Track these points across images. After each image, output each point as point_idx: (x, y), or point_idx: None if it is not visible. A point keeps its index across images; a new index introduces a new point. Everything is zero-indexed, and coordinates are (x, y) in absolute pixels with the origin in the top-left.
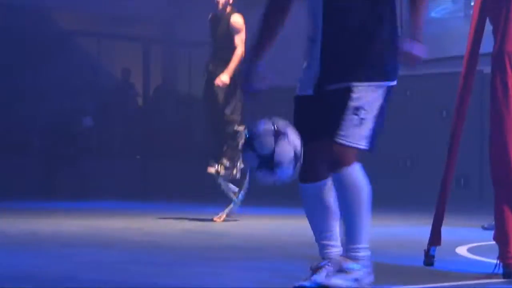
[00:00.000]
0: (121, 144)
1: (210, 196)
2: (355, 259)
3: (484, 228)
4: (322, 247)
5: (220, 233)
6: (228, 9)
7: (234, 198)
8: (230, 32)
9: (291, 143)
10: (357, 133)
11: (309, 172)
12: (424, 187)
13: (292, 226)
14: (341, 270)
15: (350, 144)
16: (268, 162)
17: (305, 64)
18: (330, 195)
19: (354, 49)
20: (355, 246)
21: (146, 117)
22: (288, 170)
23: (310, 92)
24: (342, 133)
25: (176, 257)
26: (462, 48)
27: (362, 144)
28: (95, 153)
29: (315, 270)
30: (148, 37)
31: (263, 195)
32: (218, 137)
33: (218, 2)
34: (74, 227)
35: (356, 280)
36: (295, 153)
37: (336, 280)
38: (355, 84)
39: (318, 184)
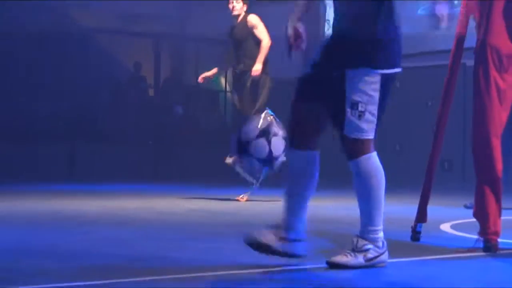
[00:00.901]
0: (134, 132)
1: (215, 178)
2: (370, 240)
3: (466, 207)
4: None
5: (228, 212)
6: (242, 15)
7: (254, 181)
8: (250, 32)
9: (281, 136)
10: (359, 127)
11: (301, 141)
12: (412, 169)
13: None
14: (357, 250)
15: (356, 137)
16: (267, 161)
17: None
18: (315, 167)
19: (352, 36)
20: (369, 228)
21: (157, 106)
22: (278, 163)
23: (310, 70)
24: (346, 127)
25: (185, 233)
26: (445, 43)
27: (367, 135)
28: (111, 139)
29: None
30: (159, 33)
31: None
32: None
33: (233, 8)
34: (92, 208)
35: (370, 259)
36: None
37: (353, 259)
38: (349, 71)
39: (309, 153)
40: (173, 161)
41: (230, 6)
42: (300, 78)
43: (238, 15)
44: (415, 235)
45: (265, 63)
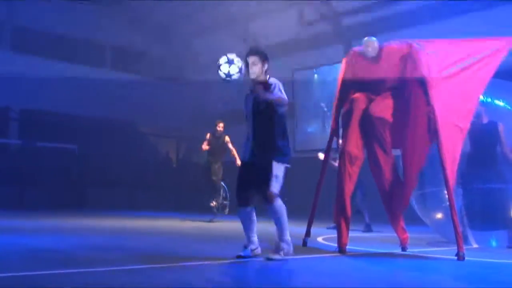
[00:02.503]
0: (163, 183)
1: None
2: (284, 243)
3: (328, 228)
4: (249, 241)
5: (220, 228)
6: (221, 132)
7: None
8: (224, 147)
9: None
10: (275, 186)
11: (244, 202)
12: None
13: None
14: (278, 250)
15: (274, 191)
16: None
17: (246, 140)
18: (253, 214)
19: (270, 141)
20: (283, 238)
21: (177, 173)
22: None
23: (247, 158)
24: (271, 187)
25: (191, 240)
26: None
27: (277, 190)
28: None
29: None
30: (179, 136)
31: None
32: (213, 187)
33: (218, 127)
34: (140, 224)
35: (286, 254)
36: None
37: (276, 255)
38: (274, 162)
39: (249, 208)
40: (186, 200)
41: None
42: (240, 168)
43: (220, 131)
44: (304, 243)
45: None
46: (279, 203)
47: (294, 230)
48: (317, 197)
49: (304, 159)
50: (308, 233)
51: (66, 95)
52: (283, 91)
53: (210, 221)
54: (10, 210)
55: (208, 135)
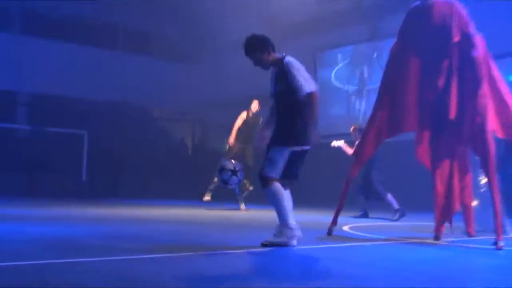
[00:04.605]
0: (178, 172)
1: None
2: (286, 227)
3: (355, 217)
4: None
5: (239, 217)
6: (257, 112)
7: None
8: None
9: (238, 177)
10: (268, 170)
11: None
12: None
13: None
14: (277, 234)
15: (267, 175)
16: (234, 172)
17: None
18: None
19: (278, 125)
20: (284, 222)
21: (192, 159)
22: (233, 186)
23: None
24: (263, 170)
25: (209, 229)
26: None
27: (273, 175)
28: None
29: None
30: (194, 119)
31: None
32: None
33: (253, 107)
34: (156, 213)
35: (289, 238)
36: (239, 180)
37: (273, 239)
38: (272, 146)
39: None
40: (201, 187)
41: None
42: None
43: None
44: (329, 232)
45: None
46: (273, 188)
47: (318, 218)
48: (348, 185)
49: (327, 144)
50: (334, 221)
51: (76, 79)
52: (301, 74)
53: (240, 209)
54: (19, 198)
55: (244, 115)
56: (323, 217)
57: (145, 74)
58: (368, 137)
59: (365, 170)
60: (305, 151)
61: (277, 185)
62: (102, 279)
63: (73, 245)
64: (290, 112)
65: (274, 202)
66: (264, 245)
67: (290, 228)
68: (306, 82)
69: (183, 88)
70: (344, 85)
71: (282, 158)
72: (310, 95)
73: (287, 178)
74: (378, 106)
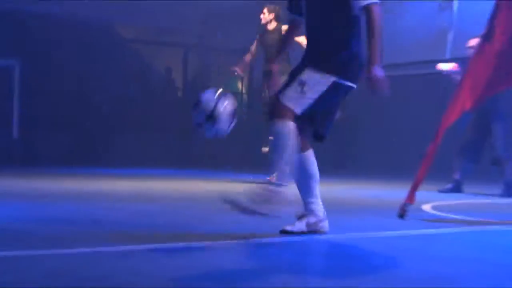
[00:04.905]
0: (163, 124)
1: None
2: (308, 210)
3: (440, 191)
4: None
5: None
6: (275, 24)
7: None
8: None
9: (229, 104)
10: (293, 98)
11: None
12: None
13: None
14: (299, 218)
15: (283, 102)
16: (210, 117)
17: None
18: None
19: (321, 45)
20: (305, 200)
21: (184, 105)
22: (224, 126)
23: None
24: (283, 92)
25: (208, 210)
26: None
27: (293, 107)
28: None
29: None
30: (187, 44)
31: None
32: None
33: (261, 19)
34: (125, 187)
35: (310, 224)
36: (232, 113)
37: (296, 226)
38: (309, 69)
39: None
40: (197, 149)
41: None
42: None
43: (266, 24)
44: (403, 213)
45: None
46: (285, 126)
47: (382, 194)
48: (437, 142)
49: (395, 78)
50: (411, 198)
51: None
52: None
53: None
54: None
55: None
56: (388, 192)
57: None
58: (476, 72)
59: (479, 121)
60: (347, 92)
61: (291, 126)
62: (53, 279)
63: (10, 233)
64: (336, 32)
65: (278, 147)
66: (284, 231)
67: (315, 212)
68: None
69: None
70: None
71: (317, 87)
72: (369, 8)
73: (310, 131)
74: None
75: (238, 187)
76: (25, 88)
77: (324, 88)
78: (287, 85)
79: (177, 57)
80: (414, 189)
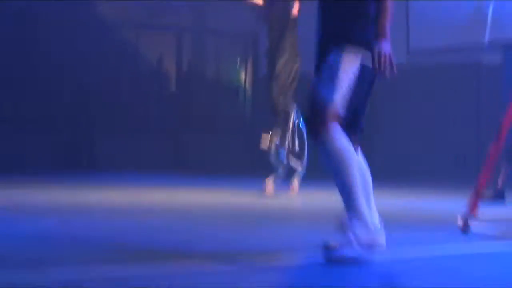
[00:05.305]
0: (155, 122)
1: (234, 169)
2: (355, 224)
3: (488, 200)
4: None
5: (247, 204)
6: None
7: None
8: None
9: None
10: (327, 92)
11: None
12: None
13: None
14: (345, 238)
15: (325, 102)
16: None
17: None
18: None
19: (341, 18)
20: (351, 214)
21: (178, 99)
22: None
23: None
24: (317, 90)
25: (208, 225)
26: None
27: (335, 107)
28: (133, 129)
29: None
30: (180, 26)
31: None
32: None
33: None
34: (114, 198)
35: (358, 245)
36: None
37: (341, 248)
38: (332, 50)
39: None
40: (193, 151)
41: None
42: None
43: None
44: (465, 227)
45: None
46: (335, 136)
47: (425, 204)
48: (500, 143)
49: (424, 68)
50: (473, 209)
51: None
52: None
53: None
54: None
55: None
56: (433, 203)
57: None
58: None
59: None
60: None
61: (341, 133)
62: None
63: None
64: (349, 7)
65: (337, 167)
66: (327, 248)
67: (364, 228)
68: None
69: None
70: None
71: (349, 73)
72: None
73: (350, 125)
74: None
75: (240, 200)
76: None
77: (356, 74)
78: (317, 83)
79: (170, 42)
80: (476, 198)
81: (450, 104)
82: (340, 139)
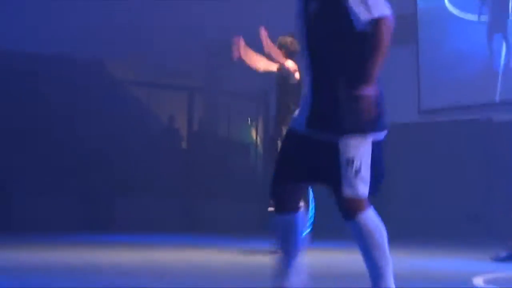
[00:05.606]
0: (167, 183)
1: (247, 230)
2: None
3: (493, 260)
4: (284, 280)
5: (263, 265)
6: (284, 60)
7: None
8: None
9: None
10: (356, 184)
11: (281, 204)
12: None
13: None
14: None
15: (353, 196)
16: None
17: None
18: (296, 229)
19: (340, 95)
20: (381, 285)
21: (190, 158)
22: None
23: (302, 128)
24: (346, 186)
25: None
26: None
27: (362, 194)
28: (144, 190)
29: None
30: (192, 87)
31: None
32: None
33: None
34: (128, 258)
35: None
36: None
37: None
38: (342, 136)
39: (289, 216)
40: (205, 211)
41: None
42: (284, 140)
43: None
44: None
45: None
46: (369, 217)
47: (428, 263)
48: None
49: (436, 125)
50: None
51: None
52: None
53: (273, 251)
54: None
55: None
56: (442, 262)
57: (98, 8)
58: None
59: None
60: (381, 143)
61: (372, 214)
62: None
63: None
64: (345, 60)
65: (367, 245)
66: None
67: None
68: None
69: (167, 32)
70: (473, 13)
71: (366, 155)
72: (379, 22)
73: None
74: None
75: (254, 258)
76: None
77: (369, 152)
78: (336, 171)
79: (182, 102)
80: None
81: (461, 161)
82: (368, 217)
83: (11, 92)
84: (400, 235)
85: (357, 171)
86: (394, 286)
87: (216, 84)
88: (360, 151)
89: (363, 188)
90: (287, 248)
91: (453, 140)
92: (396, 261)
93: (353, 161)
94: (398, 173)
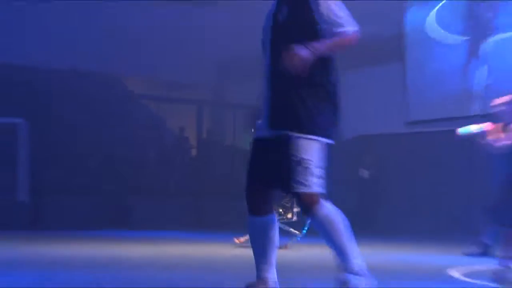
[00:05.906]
0: (178, 186)
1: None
2: (352, 272)
3: (468, 254)
4: (261, 277)
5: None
6: None
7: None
8: None
9: None
10: (308, 180)
11: (256, 207)
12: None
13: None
14: (343, 283)
15: (308, 190)
16: None
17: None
18: (272, 229)
19: (297, 100)
20: (347, 266)
21: (198, 164)
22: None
23: (264, 132)
24: (298, 184)
25: (227, 277)
26: None
27: (314, 186)
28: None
29: None
30: (200, 100)
31: None
32: None
33: None
34: (139, 252)
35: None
36: None
37: None
38: (296, 135)
39: (264, 218)
40: (212, 211)
41: None
42: (251, 148)
43: None
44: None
45: None
46: (324, 210)
47: (410, 258)
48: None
49: (420, 135)
50: None
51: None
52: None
53: (283, 247)
54: None
55: None
56: (423, 257)
57: (112, 25)
58: None
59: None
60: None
61: (328, 206)
62: None
63: None
64: (312, 75)
65: (327, 234)
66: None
67: (360, 275)
68: (344, 16)
69: (179, 47)
70: (451, 32)
71: (316, 154)
72: (345, 36)
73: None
74: None
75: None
76: (33, 150)
77: (319, 150)
78: (292, 169)
79: (191, 115)
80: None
81: (444, 167)
82: (328, 211)
83: (44, 108)
84: (389, 234)
85: (308, 168)
86: (359, 262)
87: (222, 98)
88: (310, 151)
89: (314, 183)
90: (261, 246)
91: (436, 148)
92: (385, 257)
93: (304, 160)
94: (388, 178)
